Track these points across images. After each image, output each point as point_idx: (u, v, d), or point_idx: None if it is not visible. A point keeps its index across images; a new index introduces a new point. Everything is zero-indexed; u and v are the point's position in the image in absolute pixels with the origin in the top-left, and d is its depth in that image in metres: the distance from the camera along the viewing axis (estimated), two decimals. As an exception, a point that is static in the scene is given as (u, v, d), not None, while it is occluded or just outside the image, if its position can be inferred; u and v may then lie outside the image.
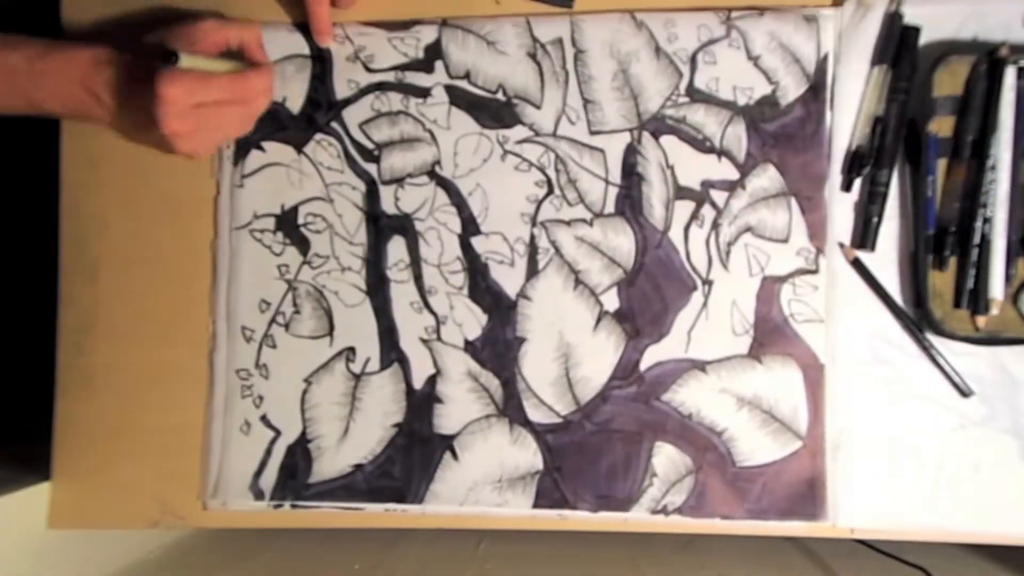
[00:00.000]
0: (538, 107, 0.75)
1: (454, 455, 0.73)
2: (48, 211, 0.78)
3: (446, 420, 0.74)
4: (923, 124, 0.71)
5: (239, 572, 0.83)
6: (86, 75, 0.70)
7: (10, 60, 0.70)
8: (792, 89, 0.73)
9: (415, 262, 0.75)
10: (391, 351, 0.75)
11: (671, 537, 0.79)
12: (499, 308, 0.74)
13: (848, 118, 0.73)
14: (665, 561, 0.83)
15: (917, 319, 0.72)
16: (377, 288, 0.75)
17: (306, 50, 0.76)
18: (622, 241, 0.74)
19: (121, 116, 0.72)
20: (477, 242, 0.75)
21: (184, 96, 0.67)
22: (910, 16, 0.72)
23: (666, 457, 0.72)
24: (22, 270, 0.87)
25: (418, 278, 0.75)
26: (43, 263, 0.78)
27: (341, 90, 0.76)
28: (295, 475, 0.74)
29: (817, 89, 0.73)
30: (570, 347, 0.74)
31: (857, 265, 0.73)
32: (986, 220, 0.69)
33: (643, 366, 0.73)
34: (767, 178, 0.73)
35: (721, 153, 0.74)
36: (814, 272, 0.73)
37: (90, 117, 0.74)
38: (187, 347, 0.77)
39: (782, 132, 0.73)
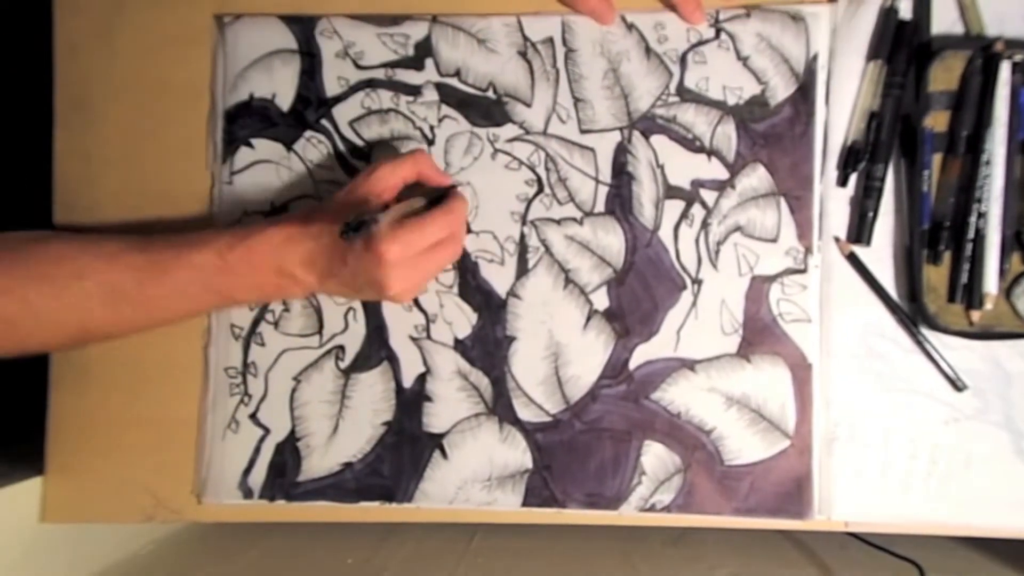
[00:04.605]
0: (528, 105, 0.74)
1: (443, 454, 0.74)
2: (42, 204, 0.78)
3: (435, 419, 0.74)
4: (918, 119, 0.70)
5: (233, 566, 0.84)
6: (280, 259, 0.66)
7: (198, 259, 0.66)
8: (781, 89, 0.73)
9: (405, 260, 0.75)
10: (381, 349, 0.75)
11: (663, 531, 0.80)
12: (489, 307, 0.74)
13: (844, 113, 0.72)
14: (657, 554, 0.83)
15: (911, 313, 0.72)
16: (367, 287, 0.75)
17: (294, 44, 0.76)
18: (612, 240, 0.74)
19: (323, 288, 0.68)
20: (467, 240, 0.74)
21: (405, 251, 0.63)
22: (905, 11, 0.71)
23: (655, 456, 0.72)
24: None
25: (408, 277, 0.75)
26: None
27: (331, 87, 0.76)
28: (284, 473, 0.74)
29: (806, 89, 0.72)
30: (560, 346, 0.74)
31: (852, 259, 0.72)
32: (980, 215, 0.69)
33: (632, 365, 0.73)
34: (756, 178, 0.73)
35: (711, 153, 0.73)
36: (803, 272, 0.72)
37: (287, 297, 0.73)
38: (182, 340, 0.76)
39: (771, 132, 0.72)
